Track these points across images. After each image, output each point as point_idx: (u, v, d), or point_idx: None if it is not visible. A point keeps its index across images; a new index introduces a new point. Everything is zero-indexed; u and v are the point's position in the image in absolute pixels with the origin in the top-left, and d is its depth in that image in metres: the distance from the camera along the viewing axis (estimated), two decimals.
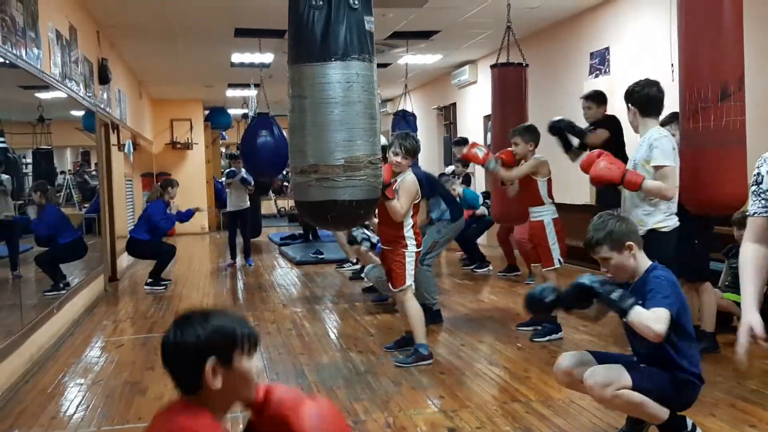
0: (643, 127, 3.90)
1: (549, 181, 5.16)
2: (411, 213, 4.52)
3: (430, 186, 5.62)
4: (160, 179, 14.02)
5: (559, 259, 5.08)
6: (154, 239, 8.03)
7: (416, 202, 4.55)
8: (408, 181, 4.51)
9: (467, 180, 9.30)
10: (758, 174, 2.28)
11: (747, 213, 2.34)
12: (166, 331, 1.55)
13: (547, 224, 5.08)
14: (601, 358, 3.03)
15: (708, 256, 4.59)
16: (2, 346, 4.27)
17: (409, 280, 4.50)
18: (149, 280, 7.91)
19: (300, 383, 4.20)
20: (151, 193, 8.51)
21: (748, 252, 2.29)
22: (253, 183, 9.46)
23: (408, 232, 4.50)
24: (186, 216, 8.53)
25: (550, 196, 5.16)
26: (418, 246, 4.58)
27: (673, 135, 4.35)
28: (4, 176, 5.42)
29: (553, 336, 4.98)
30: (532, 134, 5.18)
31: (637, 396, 2.76)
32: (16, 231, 5.46)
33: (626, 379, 2.77)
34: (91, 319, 6.37)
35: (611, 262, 2.86)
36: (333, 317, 6.17)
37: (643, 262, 2.89)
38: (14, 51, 4.55)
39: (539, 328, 5.09)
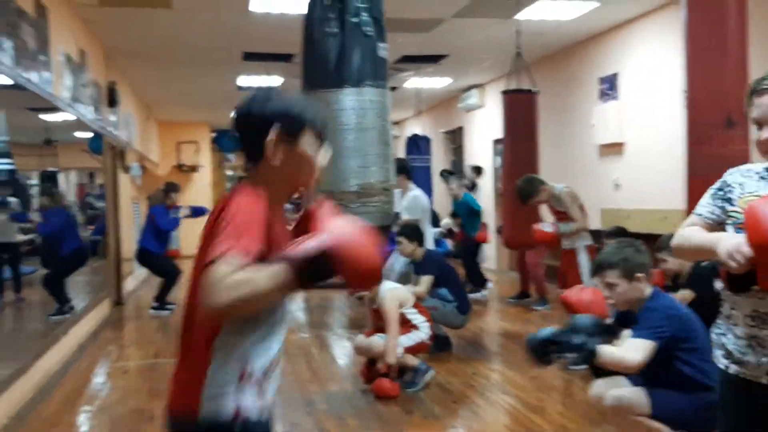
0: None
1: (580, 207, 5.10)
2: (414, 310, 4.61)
3: (444, 276, 5.53)
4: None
5: None
6: (162, 251, 7.99)
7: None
8: (387, 299, 4.51)
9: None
10: (725, 183, 1.99)
11: (694, 212, 2.09)
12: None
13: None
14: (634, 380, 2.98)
15: None
16: (10, 372, 4.22)
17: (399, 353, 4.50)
18: (155, 304, 7.86)
19: (308, 412, 4.13)
20: (153, 197, 8.43)
21: (687, 228, 2.05)
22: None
23: (417, 319, 4.59)
24: (200, 212, 8.38)
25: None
26: (429, 338, 4.63)
27: None
28: (13, 199, 5.41)
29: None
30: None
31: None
32: (19, 253, 5.45)
33: (645, 405, 2.74)
34: (96, 344, 6.31)
35: (617, 289, 2.81)
36: (342, 344, 6.09)
37: (647, 293, 2.84)
38: (25, 74, 4.55)
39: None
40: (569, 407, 4.12)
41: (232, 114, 1.58)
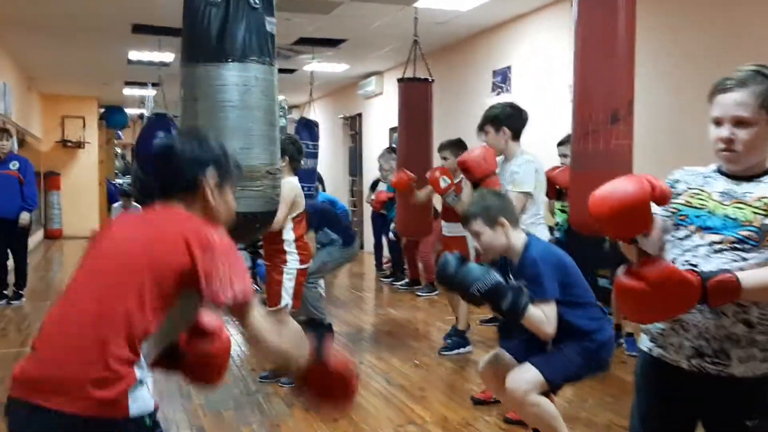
0: (511, 150, 4.04)
1: None
2: (291, 225, 4.20)
3: (320, 219, 5.31)
4: (47, 179, 13.21)
5: None
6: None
7: (297, 213, 4.22)
8: (284, 187, 3.99)
9: None
10: (674, 181, 2.02)
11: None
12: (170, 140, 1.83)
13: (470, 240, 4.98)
14: (515, 350, 3.01)
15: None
16: None
17: (285, 300, 4.13)
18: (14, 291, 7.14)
19: (184, 407, 3.94)
20: None
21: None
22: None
23: (289, 246, 4.17)
24: None
25: None
26: (302, 263, 4.24)
27: (566, 156, 4.41)
28: None
29: (461, 350, 4.98)
30: (462, 148, 5.00)
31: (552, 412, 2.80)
32: None
33: (538, 376, 2.78)
34: None
35: (483, 237, 2.87)
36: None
37: (518, 241, 2.87)
38: None
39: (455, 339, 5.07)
40: (451, 397, 4.13)
41: (158, 144, 1.81)
